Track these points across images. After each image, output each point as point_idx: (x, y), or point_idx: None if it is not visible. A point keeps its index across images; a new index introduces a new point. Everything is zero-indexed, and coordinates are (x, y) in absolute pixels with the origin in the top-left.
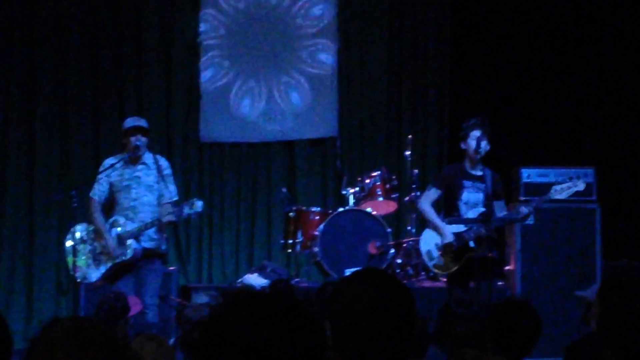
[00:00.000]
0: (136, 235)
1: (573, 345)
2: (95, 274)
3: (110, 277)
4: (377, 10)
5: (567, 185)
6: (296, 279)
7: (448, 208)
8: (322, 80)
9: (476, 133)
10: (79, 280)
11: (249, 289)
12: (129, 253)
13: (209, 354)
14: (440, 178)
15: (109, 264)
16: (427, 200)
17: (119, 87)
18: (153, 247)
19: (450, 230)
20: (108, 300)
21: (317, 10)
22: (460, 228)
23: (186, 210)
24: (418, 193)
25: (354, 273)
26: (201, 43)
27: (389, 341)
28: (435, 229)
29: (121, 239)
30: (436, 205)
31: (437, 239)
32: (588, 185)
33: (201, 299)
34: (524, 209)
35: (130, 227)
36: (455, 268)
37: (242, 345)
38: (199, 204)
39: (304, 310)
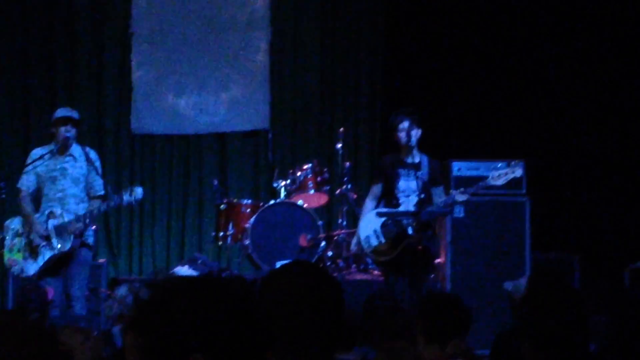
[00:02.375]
0: (75, 227)
1: (499, 337)
2: (32, 267)
3: (48, 269)
4: (310, 2)
5: (504, 171)
6: (227, 272)
7: (387, 198)
8: (254, 72)
9: (405, 124)
10: (16, 274)
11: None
12: (67, 245)
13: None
14: (377, 171)
15: (47, 257)
16: (370, 196)
17: (50, 77)
18: (82, 239)
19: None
20: (26, 292)
21: (249, 2)
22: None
23: (126, 197)
24: (349, 186)
25: (281, 266)
26: (133, 34)
27: (317, 334)
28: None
29: (59, 231)
30: (379, 198)
31: (377, 225)
32: (518, 178)
33: (122, 291)
34: (459, 196)
35: (68, 218)
36: (393, 255)
37: (188, 329)
38: (138, 191)
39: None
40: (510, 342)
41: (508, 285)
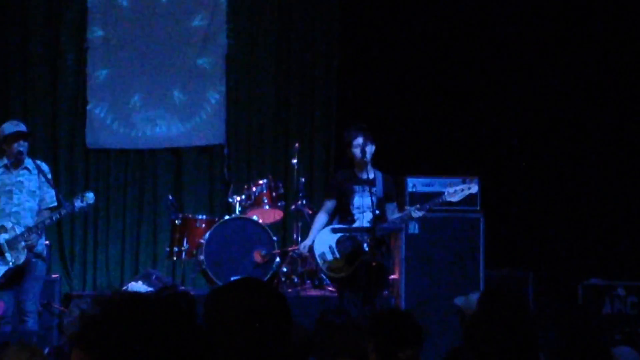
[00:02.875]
0: (29, 241)
1: (450, 353)
2: None
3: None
4: (265, 16)
5: (460, 187)
6: (181, 287)
7: (342, 214)
8: (210, 87)
9: (359, 140)
10: None
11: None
12: (22, 257)
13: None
14: (331, 187)
15: (2, 272)
16: (322, 211)
17: (4, 91)
18: (36, 252)
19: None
20: None
21: (203, 17)
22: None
23: (77, 204)
24: (304, 201)
25: (228, 283)
26: (88, 47)
27: (263, 351)
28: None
29: (11, 244)
30: (333, 214)
31: (332, 241)
32: (473, 195)
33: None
34: (415, 213)
35: (19, 231)
36: (348, 272)
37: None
38: (89, 196)
39: (189, 316)
40: (461, 358)
41: (459, 301)
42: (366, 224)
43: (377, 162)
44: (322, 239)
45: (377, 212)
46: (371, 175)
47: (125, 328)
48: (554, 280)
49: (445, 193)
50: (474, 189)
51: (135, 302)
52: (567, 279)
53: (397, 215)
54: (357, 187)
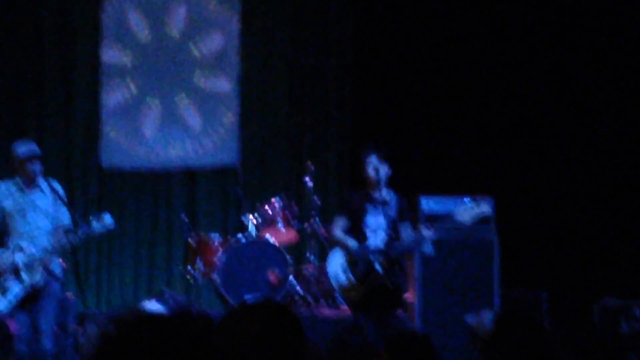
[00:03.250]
0: (44, 261)
1: None
2: (2, 304)
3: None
4: (278, 37)
5: (470, 206)
6: (197, 308)
7: (354, 233)
8: (224, 108)
9: (373, 160)
10: None
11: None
12: (37, 277)
13: None
14: (344, 206)
15: (16, 291)
16: (337, 228)
17: (18, 111)
18: (51, 272)
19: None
20: None
21: (217, 39)
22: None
23: (94, 225)
24: (318, 220)
25: (240, 304)
26: (102, 73)
27: None
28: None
29: (28, 264)
30: (346, 232)
31: (343, 261)
32: (487, 215)
33: (92, 327)
34: (425, 231)
35: (36, 251)
36: (361, 293)
37: None
38: (107, 218)
39: (206, 337)
40: None
41: (470, 318)
42: (379, 244)
43: (392, 180)
44: (334, 258)
45: (391, 232)
46: (385, 196)
47: (142, 347)
48: (569, 300)
49: (456, 212)
50: (485, 208)
51: (152, 322)
52: (582, 299)
53: (410, 234)
54: (370, 207)
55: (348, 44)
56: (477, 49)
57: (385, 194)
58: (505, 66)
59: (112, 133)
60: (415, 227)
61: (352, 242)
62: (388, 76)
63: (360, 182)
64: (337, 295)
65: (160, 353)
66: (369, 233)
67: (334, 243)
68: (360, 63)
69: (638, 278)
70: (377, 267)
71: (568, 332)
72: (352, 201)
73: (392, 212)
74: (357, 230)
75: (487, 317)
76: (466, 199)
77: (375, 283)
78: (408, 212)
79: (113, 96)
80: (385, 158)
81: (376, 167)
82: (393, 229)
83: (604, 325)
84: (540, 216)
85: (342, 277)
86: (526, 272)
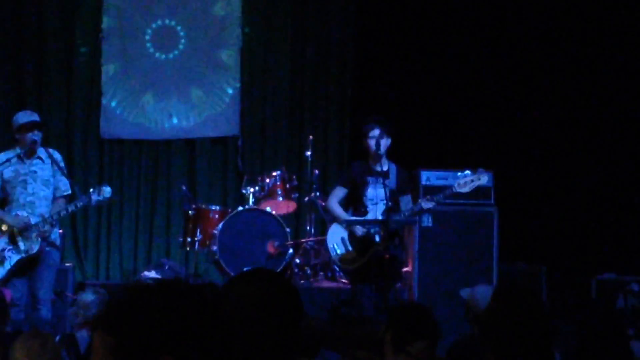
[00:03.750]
0: (43, 230)
1: (455, 344)
2: (0, 273)
3: (14, 272)
4: (280, 8)
5: (470, 178)
6: (198, 278)
7: (355, 205)
8: (224, 78)
9: (375, 132)
10: None
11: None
12: (35, 247)
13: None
14: (346, 176)
15: (14, 260)
16: (334, 199)
17: (19, 81)
18: (50, 241)
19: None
20: None
21: (219, 9)
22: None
23: (95, 197)
24: (318, 193)
25: (239, 274)
26: (103, 37)
27: (274, 341)
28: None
29: (25, 233)
30: (343, 203)
31: (344, 233)
32: (486, 188)
33: (88, 296)
34: (425, 204)
35: (34, 221)
36: (360, 263)
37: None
38: (107, 190)
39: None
40: (466, 349)
41: (464, 293)
42: (379, 216)
43: (392, 154)
44: (334, 231)
45: (390, 204)
46: (385, 168)
47: (152, 312)
48: (567, 275)
49: (455, 184)
50: (484, 179)
51: (161, 288)
52: (580, 274)
53: (409, 207)
54: (370, 179)
55: (352, 12)
56: (478, 23)
57: (385, 166)
58: (505, 42)
59: (112, 104)
60: (415, 200)
61: (342, 214)
62: (390, 48)
63: (360, 155)
64: (335, 267)
65: (168, 318)
66: (369, 205)
67: (329, 212)
68: (363, 34)
69: (636, 254)
70: (377, 238)
71: (566, 306)
72: (353, 172)
73: (392, 183)
74: (357, 201)
75: (481, 292)
76: (466, 171)
77: (374, 253)
78: (408, 184)
79: (113, 66)
80: (387, 131)
81: (378, 140)
82: (393, 200)
83: (601, 300)
84: (540, 191)
85: (341, 248)
86: (525, 246)
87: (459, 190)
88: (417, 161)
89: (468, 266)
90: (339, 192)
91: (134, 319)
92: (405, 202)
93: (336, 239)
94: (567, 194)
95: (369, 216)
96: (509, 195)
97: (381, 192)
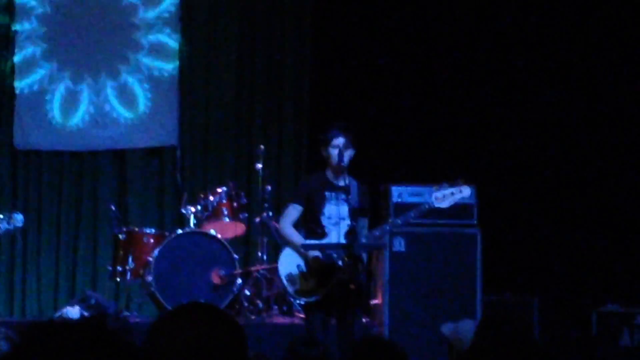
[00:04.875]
0: None
1: None
2: None
3: None
4: (226, 5)
5: (450, 191)
6: (126, 313)
7: (310, 225)
8: (160, 81)
9: (339, 141)
10: None
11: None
12: None
13: None
14: (299, 192)
15: None
16: (287, 220)
17: None
18: None
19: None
20: None
21: (156, 4)
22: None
23: (3, 225)
24: (271, 213)
25: (175, 308)
26: (16, 33)
27: None
28: (299, 252)
29: None
30: (299, 223)
31: (300, 260)
32: (468, 205)
33: None
34: (396, 221)
35: None
36: (321, 294)
37: None
38: (18, 218)
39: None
40: None
41: (446, 329)
42: (341, 238)
43: (355, 168)
44: (289, 257)
45: (354, 223)
46: (346, 183)
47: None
48: (563, 307)
49: (433, 198)
50: (466, 192)
51: (58, 329)
52: (579, 306)
53: (375, 229)
54: (329, 194)
55: (309, 5)
56: (454, 25)
57: (346, 179)
58: (485, 46)
59: (28, 109)
60: (383, 220)
61: (297, 237)
62: (353, 47)
63: (318, 166)
64: (291, 299)
65: None
66: (328, 225)
67: (283, 238)
68: (320, 30)
69: None
70: (339, 263)
71: (562, 343)
72: (308, 187)
73: (354, 200)
74: (313, 221)
75: (467, 328)
76: (444, 184)
77: (337, 282)
78: (368, 205)
79: (29, 68)
80: (352, 141)
81: (342, 150)
82: (355, 220)
83: (603, 336)
84: (531, 209)
85: (298, 278)
86: (514, 273)
87: (437, 205)
88: (383, 176)
89: (447, 297)
90: (293, 212)
91: None
92: (362, 225)
93: (291, 267)
94: (562, 213)
95: (329, 239)
96: (494, 214)
97: (343, 209)
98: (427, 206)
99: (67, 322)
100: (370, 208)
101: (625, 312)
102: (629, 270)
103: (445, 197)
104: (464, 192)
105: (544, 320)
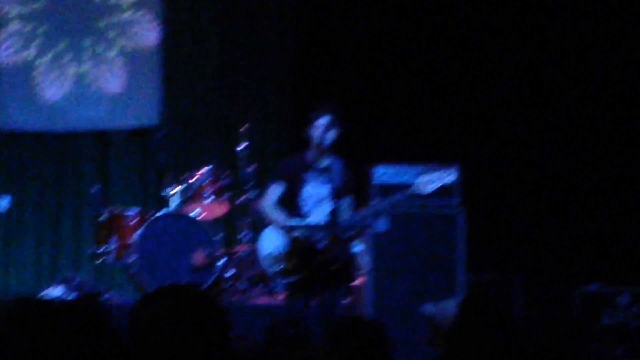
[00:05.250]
0: None
1: None
2: None
3: None
4: None
5: (435, 175)
6: (107, 294)
7: (290, 206)
8: (142, 59)
9: (323, 120)
10: None
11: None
12: None
13: None
14: (279, 172)
15: None
16: (269, 199)
17: None
18: None
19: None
20: None
21: None
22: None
23: None
24: (254, 193)
25: (156, 290)
26: None
27: None
28: (280, 231)
29: None
30: (282, 204)
31: (282, 240)
32: (451, 186)
33: None
34: (379, 204)
35: None
36: (302, 275)
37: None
38: (3, 201)
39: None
40: None
41: (428, 309)
42: (322, 219)
43: (340, 147)
44: (270, 238)
45: (335, 204)
46: (328, 163)
47: (27, 337)
48: (546, 286)
49: (416, 183)
50: (450, 178)
51: (40, 308)
52: (561, 285)
53: (351, 211)
54: (310, 175)
55: None
56: (439, 6)
57: (328, 160)
58: (471, 22)
59: (10, 89)
60: (365, 203)
61: (280, 217)
62: (338, 24)
63: (304, 147)
64: (273, 280)
65: (46, 342)
66: (309, 206)
67: (265, 218)
68: (304, 7)
69: (625, 261)
70: (321, 245)
71: (544, 322)
72: (289, 167)
73: (336, 181)
74: (293, 202)
75: (448, 307)
76: (428, 167)
77: (319, 262)
78: (352, 185)
79: (9, 46)
80: (337, 120)
81: (324, 130)
82: (336, 201)
83: (585, 315)
84: (514, 187)
85: (279, 259)
86: (496, 253)
87: (420, 190)
88: (368, 155)
89: (429, 277)
90: (276, 190)
91: (6, 344)
92: (346, 205)
93: (271, 247)
94: (545, 192)
95: (310, 219)
96: (477, 193)
97: (321, 190)
98: (410, 192)
99: (61, 301)
100: (356, 187)
101: (608, 292)
102: (610, 249)
103: (429, 182)
104: (448, 178)
105: (527, 300)
